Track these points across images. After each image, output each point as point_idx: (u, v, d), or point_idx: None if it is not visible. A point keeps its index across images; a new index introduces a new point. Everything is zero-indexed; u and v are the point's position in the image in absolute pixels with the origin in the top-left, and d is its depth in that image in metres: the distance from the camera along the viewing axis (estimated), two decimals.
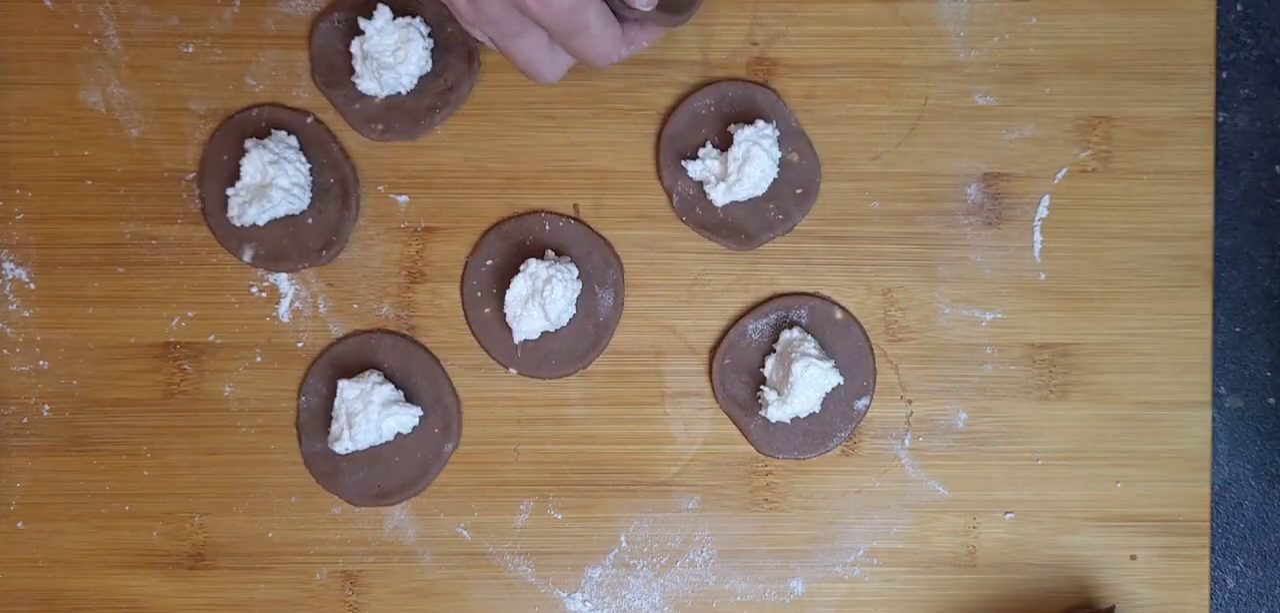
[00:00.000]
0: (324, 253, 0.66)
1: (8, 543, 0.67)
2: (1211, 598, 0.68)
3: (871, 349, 0.66)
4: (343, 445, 0.65)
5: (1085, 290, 0.66)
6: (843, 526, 0.67)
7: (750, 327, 0.66)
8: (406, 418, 0.65)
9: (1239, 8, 0.70)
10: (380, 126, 0.66)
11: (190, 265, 0.67)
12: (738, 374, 0.66)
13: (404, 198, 0.67)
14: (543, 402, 0.67)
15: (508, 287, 0.64)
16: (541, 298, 0.64)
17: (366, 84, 0.65)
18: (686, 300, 0.67)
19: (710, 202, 0.65)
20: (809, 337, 0.65)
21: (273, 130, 0.66)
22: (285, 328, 0.67)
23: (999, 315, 0.66)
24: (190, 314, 0.67)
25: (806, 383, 0.64)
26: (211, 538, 0.67)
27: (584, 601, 0.67)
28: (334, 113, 0.66)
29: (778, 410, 0.64)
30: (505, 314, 0.65)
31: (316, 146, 0.66)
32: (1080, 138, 0.66)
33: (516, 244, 0.66)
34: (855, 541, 0.67)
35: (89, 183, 0.66)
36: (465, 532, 0.67)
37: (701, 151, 0.65)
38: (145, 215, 0.66)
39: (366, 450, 0.66)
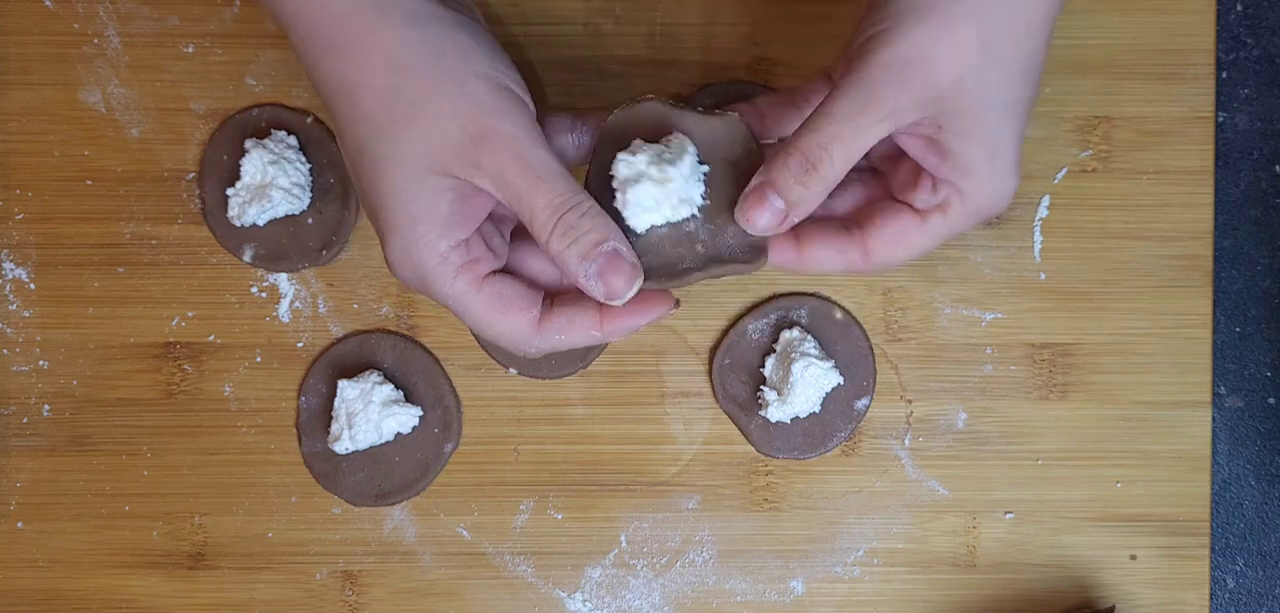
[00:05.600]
0: (324, 253, 0.66)
1: (8, 543, 0.67)
2: (1211, 598, 0.68)
3: (871, 349, 0.66)
4: (343, 446, 0.65)
5: (1085, 290, 0.66)
6: (843, 526, 0.67)
7: (750, 327, 0.66)
8: (406, 418, 0.65)
9: (1239, 8, 0.70)
10: None
11: (190, 265, 0.67)
12: (738, 374, 0.66)
13: None
14: (543, 402, 0.67)
15: None
16: None
17: None
18: (686, 300, 0.67)
19: None
20: (809, 337, 0.65)
21: (273, 130, 0.66)
22: (285, 328, 0.67)
23: (999, 315, 0.66)
24: (190, 314, 0.67)
25: (806, 383, 0.64)
26: (211, 538, 0.67)
27: (584, 601, 0.67)
28: None
29: (778, 410, 0.64)
30: None
31: (316, 147, 0.66)
32: (1080, 138, 0.66)
33: None
34: (855, 541, 0.67)
35: (89, 183, 0.66)
36: (465, 532, 0.67)
37: None
38: (145, 215, 0.66)
39: (366, 451, 0.66)
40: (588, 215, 0.53)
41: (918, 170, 0.53)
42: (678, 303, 0.57)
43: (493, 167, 0.52)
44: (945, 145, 0.51)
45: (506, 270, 0.56)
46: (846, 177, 0.56)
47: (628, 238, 0.55)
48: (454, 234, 0.53)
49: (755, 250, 0.55)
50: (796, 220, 0.53)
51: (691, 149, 0.55)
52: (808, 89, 0.57)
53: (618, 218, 0.55)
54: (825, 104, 0.51)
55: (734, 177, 0.55)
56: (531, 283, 0.56)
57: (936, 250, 0.65)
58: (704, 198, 0.55)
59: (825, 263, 0.55)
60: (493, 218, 0.55)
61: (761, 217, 0.53)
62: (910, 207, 0.53)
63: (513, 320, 0.54)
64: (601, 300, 0.54)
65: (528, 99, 0.54)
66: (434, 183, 0.52)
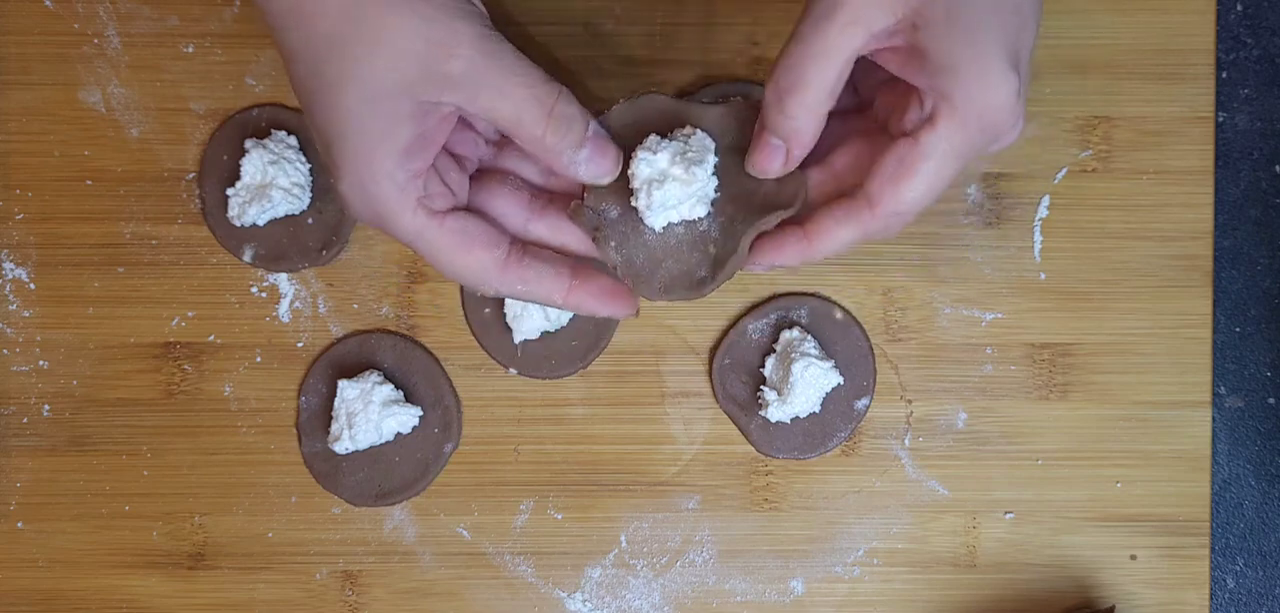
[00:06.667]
0: (324, 253, 0.66)
1: (8, 543, 0.67)
2: (1211, 598, 0.68)
3: (871, 349, 0.66)
4: (343, 446, 0.65)
5: (1085, 290, 0.66)
6: (843, 526, 0.67)
7: (750, 327, 0.66)
8: (406, 418, 0.65)
9: (1239, 8, 0.70)
10: None
11: (190, 265, 0.67)
12: (738, 374, 0.66)
13: None
14: (543, 402, 0.67)
15: None
16: None
17: None
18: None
19: None
20: (809, 337, 0.65)
21: (273, 130, 0.66)
22: (285, 328, 0.67)
23: (999, 315, 0.66)
24: (190, 314, 0.67)
25: (806, 383, 0.64)
26: (211, 538, 0.67)
27: (584, 601, 0.67)
28: None
29: (778, 410, 0.64)
30: (505, 314, 0.65)
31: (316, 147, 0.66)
32: (1080, 138, 0.66)
33: None
34: (855, 541, 0.67)
35: (89, 183, 0.66)
36: (465, 532, 0.67)
37: None
38: (145, 215, 0.66)
39: (366, 451, 0.66)
40: (572, 103, 0.52)
41: (908, 94, 0.51)
42: (638, 312, 0.56)
43: (463, 70, 0.49)
44: (922, 47, 0.48)
45: (469, 210, 0.54)
46: (847, 133, 0.54)
47: (643, 239, 0.55)
48: (411, 164, 0.50)
49: (750, 223, 0.54)
50: (799, 153, 0.52)
51: (712, 146, 0.54)
52: None
53: (633, 216, 0.54)
54: (794, 28, 0.50)
55: (742, 165, 0.54)
56: (494, 224, 0.55)
57: (937, 251, 0.66)
58: (716, 191, 0.55)
59: (837, 236, 0.52)
60: (450, 154, 0.54)
61: (768, 161, 0.52)
62: (905, 134, 0.50)
63: (476, 258, 0.53)
64: (588, 182, 0.53)
65: (484, 12, 0.52)
66: (393, 107, 0.50)
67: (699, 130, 0.55)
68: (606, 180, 0.54)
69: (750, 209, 0.54)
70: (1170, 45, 0.66)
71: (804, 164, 0.54)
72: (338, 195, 0.52)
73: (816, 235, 0.53)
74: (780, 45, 0.66)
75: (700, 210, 0.54)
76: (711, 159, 0.54)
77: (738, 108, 0.55)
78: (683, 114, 0.55)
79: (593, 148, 0.53)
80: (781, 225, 0.53)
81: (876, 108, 0.54)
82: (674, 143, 0.54)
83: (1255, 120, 0.70)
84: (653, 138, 0.54)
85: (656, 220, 0.54)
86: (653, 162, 0.53)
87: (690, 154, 0.53)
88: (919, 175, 0.50)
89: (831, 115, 0.52)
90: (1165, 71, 0.66)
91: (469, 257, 0.53)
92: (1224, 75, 0.70)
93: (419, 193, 0.51)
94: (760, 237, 0.54)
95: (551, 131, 0.51)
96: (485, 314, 0.66)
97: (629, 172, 0.54)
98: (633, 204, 0.54)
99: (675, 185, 0.53)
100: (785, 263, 0.54)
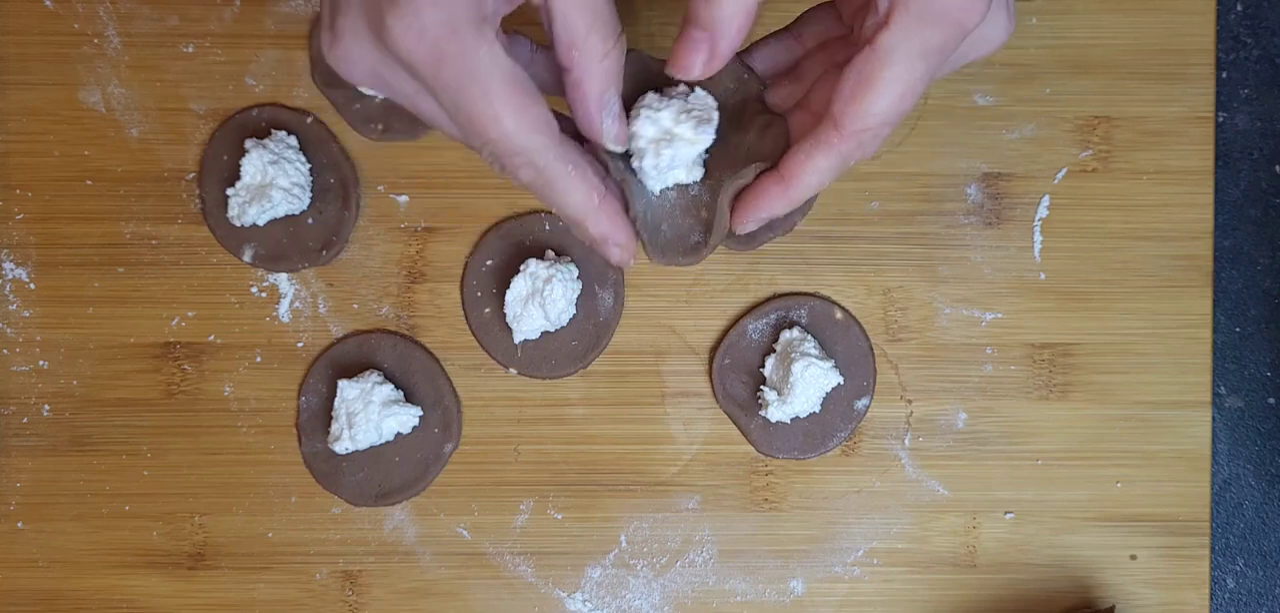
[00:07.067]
0: (324, 253, 0.66)
1: (8, 543, 0.67)
2: (1211, 598, 0.68)
3: (871, 349, 0.66)
4: (343, 446, 0.65)
5: (1085, 290, 0.66)
6: (843, 526, 0.67)
7: (750, 327, 0.66)
8: (406, 418, 0.65)
9: (1239, 8, 0.70)
10: (380, 126, 0.66)
11: (190, 265, 0.67)
12: (738, 374, 0.66)
13: (404, 198, 0.67)
14: (543, 402, 0.67)
15: (508, 287, 0.64)
16: (541, 298, 0.64)
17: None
18: (686, 300, 0.67)
19: None
20: (809, 337, 0.65)
21: (273, 130, 0.66)
22: (285, 328, 0.67)
23: (999, 315, 0.66)
24: (190, 314, 0.67)
25: (806, 383, 0.64)
26: (211, 538, 0.67)
27: (584, 601, 0.67)
28: (334, 113, 0.66)
29: (778, 410, 0.64)
30: (505, 314, 0.65)
31: (316, 146, 0.66)
32: (1080, 138, 0.66)
33: (516, 244, 0.66)
34: (855, 541, 0.67)
35: (89, 183, 0.66)
36: (465, 532, 0.67)
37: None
38: (145, 215, 0.66)
39: (366, 451, 0.66)
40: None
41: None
42: (633, 260, 0.52)
43: None
44: None
45: None
46: (826, 66, 0.52)
47: (645, 200, 0.52)
48: (498, 4, 0.46)
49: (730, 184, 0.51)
50: (725, 49, 0.47)
51: (714, 104, 0.51)
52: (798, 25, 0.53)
53: (633, 177, 0.52)
54: None
55: (728, 119, 0.52)
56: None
57: (937, 251, 0.65)
58: (708, 152, 0.53)
59: (812, 168, 0.48)
60: None
61: (689, 56, 0.47)
62: (867, 42, 0.47)
63: (539, 113, 0.47)
64: (598, 138, 0.49)
65: None
66: None
67: (698, 89, 0.52)
68: (618, 147, 0.50)
69: (736, 169, 0.52)
70: (1170, 45, 0.66)
71: (787, 113, 0.51)
72: (387, 8, 0.45)
73: (791, 174, 0.49)
74: None
75: (697, 173, 0.52)
76: (716, 117, 0.51)
77: (731, 64, 0.53)
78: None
79: (619, 107, 0.49)
80: (759, 177, 0.51)
81: (854, 35, 0.50)
82: (675, 101, 0.51)
83: (1255, 120, 0.70)
84: (651, 95, 0.51)
85: (655, 183, 0.52)
86: (656, 119, 0.50)
87: (695, 112, 0.51)
88: (882, 83, 0.46)
89: (812, 50, 0.49)
90: (1165, 71, 0.66)
91: (534, 109, 0.47)
92: (1224, 75, 0.70)
93: (497, 27, 0.46)
94: (741, 195, 0.51)
95: (614, 55, 0.47)
96: (485, 314, 0.66)
97: (630, 130, 0.51)
98: (631, 165, 0.52)
99: (683, 146, 0.50)
100: (769, 212, 0.51)
